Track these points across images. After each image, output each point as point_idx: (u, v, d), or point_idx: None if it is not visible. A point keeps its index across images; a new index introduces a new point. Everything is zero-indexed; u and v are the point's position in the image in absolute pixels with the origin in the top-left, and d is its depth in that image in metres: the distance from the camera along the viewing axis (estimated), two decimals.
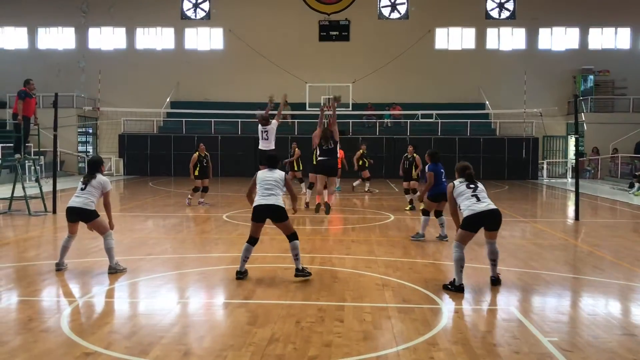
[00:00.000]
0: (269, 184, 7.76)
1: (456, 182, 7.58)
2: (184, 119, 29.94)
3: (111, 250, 8.01)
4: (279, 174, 7.91)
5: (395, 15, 31.82)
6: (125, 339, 5.39)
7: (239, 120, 29.54)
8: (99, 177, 8.12)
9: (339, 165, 16.77)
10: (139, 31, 32.79)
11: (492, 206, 7.32)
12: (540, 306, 6.85)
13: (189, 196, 16.15)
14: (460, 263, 7.17)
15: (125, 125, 30.37)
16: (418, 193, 14.73)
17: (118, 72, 30.90)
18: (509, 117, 29.75)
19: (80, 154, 31.02)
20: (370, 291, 7.20)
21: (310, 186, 15.24)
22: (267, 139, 14.20)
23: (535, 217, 14.83)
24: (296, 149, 19.06)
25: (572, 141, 31.41)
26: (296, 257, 7.65)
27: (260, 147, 14.28)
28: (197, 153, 16.17)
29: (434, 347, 5.29)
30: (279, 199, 7.75)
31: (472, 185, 7.45)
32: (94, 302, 6.81)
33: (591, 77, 30.49)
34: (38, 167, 16.20)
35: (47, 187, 15.33)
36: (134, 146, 28.98)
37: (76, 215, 8.01)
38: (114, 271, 7.95)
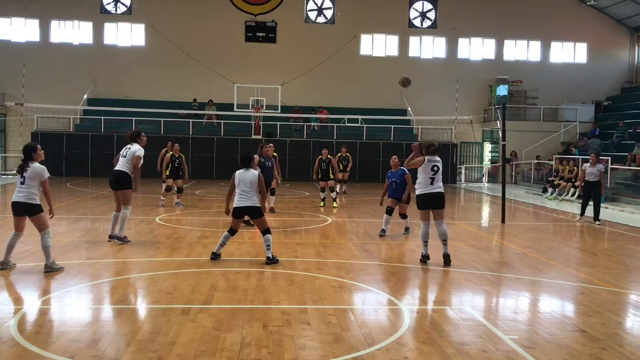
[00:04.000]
0: (247, 186, 8.81)
1: (427, 158, 8.94)
2: (102, 117, 28.74)
3: (48, 249, 7.88)
4: (254, 174, 8.88)
5: (321, 19, 32.07)
6: (88, 347, 5.12)
7: (162, 119, 28.72)
8: (34, 166, 7.83)
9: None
10: (54, 24, 31.13)
11: (441, 189, 8.96)
12: (493, 306, 7.14)
13: (162, 197, 16.20)
14: (425, 238, 9.00)
15: (39, 122, 28.76)
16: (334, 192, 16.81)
17: (30, 66, 29.12)
18: (429, 123, 30.78)
19: None
20: (329, 293, 7.22)
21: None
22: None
23: (464, 220, 15.42)
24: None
25: (487, 147, 32.96)
26: (268, 247, 8.87)
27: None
28: (171, 153, 16.21)
29: (404, 347, 5.39)
30: (256, 200, 8.84)
31: (435, 168, 8.90)
32: (43, 309, 6.41)
33: (505, 86, 32.07)
34: None
35: None
36: (48, 145, 27.11)
37: (21, 209, 7.82)
38: (50, 270, 7.80)
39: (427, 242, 9.07)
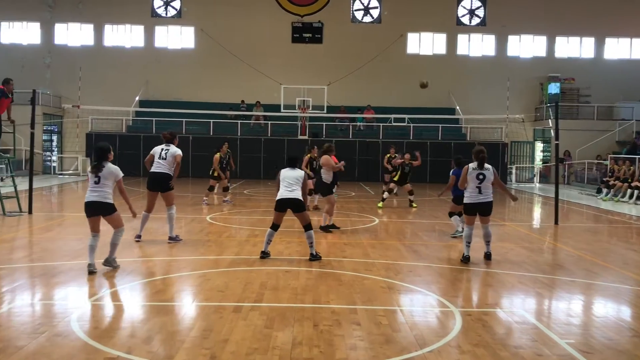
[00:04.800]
0: (292, 181, 9.02)
1: (471, 166, 9.04)
2: (153, 119, 29.43)
3: (116, 246, 8.10)
4: (299, 172, 9.16)
5: (368, 19, 31.99)
6: (144, 343, 5.25)
7: (211, 120, 29.20)
8: (108, 166, 7.96)
9: None
10: (108, 28, 32.08)
11: (489, 199, 9.04)
12: (546, 309, 6.98)
13: (205, 197, 16.56)
14: (467, 239, 9.06)
15: (93, 124, 29.68)
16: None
17: (85, 69, 30.07)
18: (478, 122, 30.27)
19: (46, 152, 30.21)
20: (378, 294, 7.20)
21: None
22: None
23: (516, 221, 15.11)
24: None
25: (538, 147, 32.18)
26: (311, 245, 9.05)
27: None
28: (219, 154, 16.66)
29: (457, 350, 5.32)
30: (299, 193, 8.99)
31: (480, 177, 8.95)
32: (102, 305, 6.61)
33: (557, 84, 31.24)
34: (10, 166, 15.59)
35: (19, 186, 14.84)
36: None
37: (96, 209, 7.88)
38: (109, 265, 8.01)
39: (469, 243, 9.10)
